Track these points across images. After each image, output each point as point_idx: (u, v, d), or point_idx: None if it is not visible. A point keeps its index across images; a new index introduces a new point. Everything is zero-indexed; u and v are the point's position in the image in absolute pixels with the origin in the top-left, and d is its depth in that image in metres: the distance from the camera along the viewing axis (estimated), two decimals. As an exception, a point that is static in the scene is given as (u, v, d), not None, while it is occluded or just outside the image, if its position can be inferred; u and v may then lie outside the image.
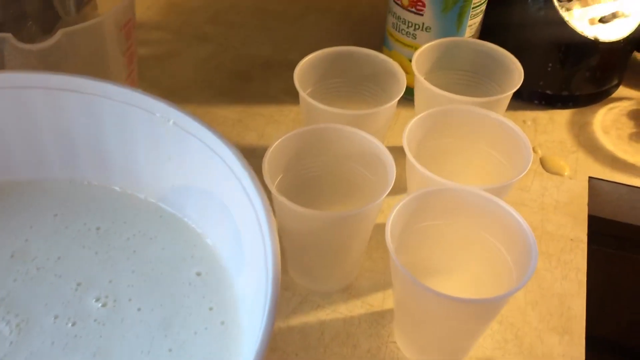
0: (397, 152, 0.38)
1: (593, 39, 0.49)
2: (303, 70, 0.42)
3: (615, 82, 0.56)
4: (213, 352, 0.31)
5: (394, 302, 0.36)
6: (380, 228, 0.36)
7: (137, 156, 0.36)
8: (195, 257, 0.35)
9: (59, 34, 0.38)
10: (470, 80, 0.47)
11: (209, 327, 0.32)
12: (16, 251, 0.34)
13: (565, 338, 0.38)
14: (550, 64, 0.52)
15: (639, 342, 0.62)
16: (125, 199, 0.37)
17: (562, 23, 0.49)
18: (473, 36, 0.50)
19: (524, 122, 0.53)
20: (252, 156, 0.49)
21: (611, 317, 0.57)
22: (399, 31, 0.50)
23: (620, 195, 0.48)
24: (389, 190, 0.34)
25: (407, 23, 0.49)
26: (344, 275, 0.40)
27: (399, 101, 0.41)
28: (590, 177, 0.48)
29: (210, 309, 0.32)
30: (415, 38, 0.50)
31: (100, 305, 0.32)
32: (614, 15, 0.50)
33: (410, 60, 0.43)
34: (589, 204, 0.46)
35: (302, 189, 0.39)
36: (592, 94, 0.55)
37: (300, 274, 0.40)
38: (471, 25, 0.49)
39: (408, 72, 0.44)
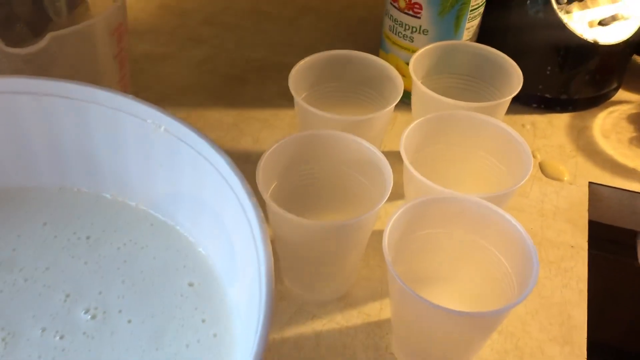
0: (394, 157, 0.37)
1: (592, 42, 0.49)
2: (298, 74, 0.42)
3: (614, 85, 0.55)
4: (205, 365, 0.30)
5: (391, 313, 0.36)
6: (377, 235, 0.35)
7: (128, 163, 0.35)
8: (188, 266, 0.34)
9: (47, 38, 0.37)
10: (469, 84, 0.46)
11: (201, 339, 0.31)
12: (3, 261, 0.33)
13: (566, 349, 0.37)
14: (549, 67, 0.51)
15: (639, 347, 0.62)
16: (115, 206, 0.37)
17: (561, 26, 0.48)
18: (471, 39, 0.50)
19: (523, 126, 0.52)
20: (247, 161, 0.48)
21: (612, 322, 0.56)
22: (396, 34, 0.50)
23: (620, 200, 0.47)
24: (385, 199, 0.33)
25: (404, 26, 0.49)
26: (340, 284, 0.39)
27: (397, 105, 0.40)
28: (590, 183, 0.47)
29: (203, 320, 0.32)
30: (413, 41, 0.49)
31: (89, 317, 0.31)
32: (613, 18, 0.49)
33: (408, 64, 0.43)
34: (589, 210, 0.45)
35: (297, 197, 0.38)
36: (592, 98, 0.54)
37: (295, 283, 0.39)
38: (469, 28, 0.49)
39: (405, 75, 0.43)
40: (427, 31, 0.48)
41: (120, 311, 0.32)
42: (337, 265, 0.37)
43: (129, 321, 0.31)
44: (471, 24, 0.48)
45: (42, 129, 0.35)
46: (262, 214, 0.28)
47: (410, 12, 0.48)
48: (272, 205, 0.33)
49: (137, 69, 0.56)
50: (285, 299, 0.39)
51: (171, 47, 0.60)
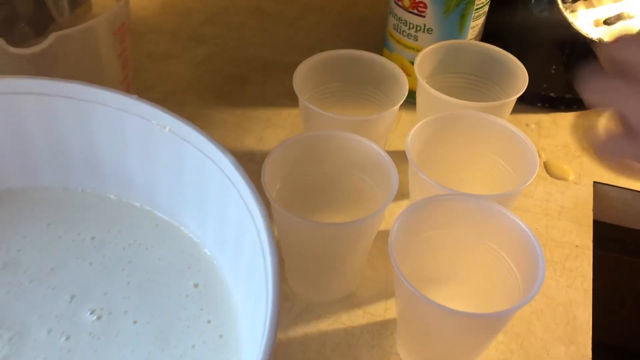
0: (399, 156, 0.37)
1: (598, 40, 0.48)
2: (302, 74, 0.42)
3: (619, 84, 0.55)
4: (211, 366, 0.30)
5: (396, 313, 0.36)
6: (382, 235, 0.35)
7: (132, 163, 0.35)
8: (193, 267, 0.34)
9: (51, 38, 0.37)
10: (474, 83, 0.46)
11: (207, 340, 0.31)
12: (8, 262, 0.33)
13: (571, 349, 0.37)
14: (554, 67, 0.51)
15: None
16: (120, 207, 0.36)
17: (567, 25, 0.48)
18: (475, 38, 0.49)
19: (527, 125, 0.52)
20: (251, 160, 0.48)
21: (617, 322, 0.56)
22: (400, 33, 0.50)
23: (625, 200, 0.47)
24: (391, 201, 0.33)
25: (408, 24, 0.49)
26: (345, 284, 0.39)
27: (401, 104, 0.40)
28: (595, 182, 0.47)
29: (209, 321, 0.32)
30: (417, 40, 0.49)
31: (95, 318, 0.31)
32: (619, 17, 0.49)
33: (412, 62, 0.43)
34: (593, 210, 0.45)
35: (301, 197, 0.38)
36: (596, 97, 0.54)
37: (300, 283, 0.39)
38: (474, 27, 0.48)
39: (409, 74, 0.43)
40: (432, 30, 0.48)
41: (125, 312, 0.32)
42: (342, 266, 0.37)
43: (135, 322, 0.31)
44: (476, 23, 0.48)
45: (46, 130, 0.35)
46: (267, 214, 0.28)
47: (415, 11, 0.47)
48: (277, 206, 0.32)
49: (140, 68, 0.56)
50: (290, 299, 0.39)
51: (174, 47, 0.60)
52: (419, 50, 0.47)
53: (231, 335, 0.31)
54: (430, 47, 0.44)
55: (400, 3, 0.48)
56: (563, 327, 0.38)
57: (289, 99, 0.44)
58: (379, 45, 0.53)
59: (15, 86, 0.33)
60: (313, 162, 0.38)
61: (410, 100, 0.45)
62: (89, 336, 0.31)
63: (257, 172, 0.33)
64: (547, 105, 0.53)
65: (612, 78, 0.29)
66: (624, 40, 0.29)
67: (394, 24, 0.50)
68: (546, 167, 0.48)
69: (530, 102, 0.53)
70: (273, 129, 0.51)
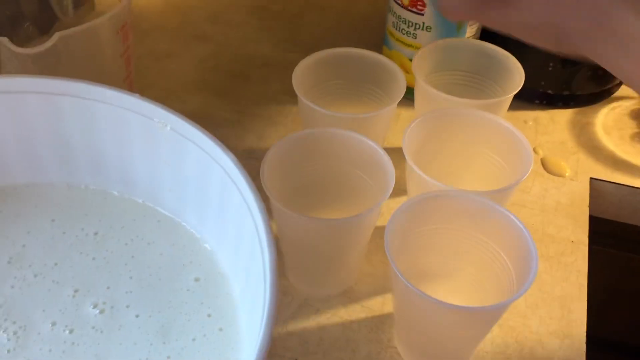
0: (397, 153, 0.38)
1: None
2: (301, 72, 0.42)
3: (617, 80, 0.55)
4: (211, 358, 0.31)
5: (393, 307, 0.36)
6: (380, 231, 0.36)
7: (134, 161, 0.36)
8: (194, 262, 0.35)
9: (55, 37, 0.37)
10: (471, 81, 0.46)
11: (207, 333, 0.32)
12: (13, 257, 0.34)
13: (565, 342, 0.37)
14: (551, 63, 0.52)
15: (639, 342, 0.62)
16: (122, 203, 0.37)
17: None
18: (474, 36, 0.50)
19: (525, 122, 0.53)
20: (252, 157, 0.49)
21: (613, 317, 0.56)
22: (399, 30, 0.50)
23: (622, 196, 0.48)
24: (387, 197, 0.34)
25: (407, 22, 0.49)
26: (343, 279, 0.39)
27: (400, 101, 0.41)
28: (591, 178, 0.48)
29: (209, 315, 0.32)
30: (416, 37, 0.49)
31: (97, 311, 0.32)
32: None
33: (411, 60, 0.43)
34: (590, 205, 0.45)
35: (300, 193, 0.39)
36: (594, 94, 0.54)
37: (299, 278, 0.39)
38: (472, 25, 0.49)
39: (408, 71, 0.44)
40: (431, 28, 0.48)
41: (127, 306, 0.32)
42: (340, 261, 0.38)
43: (137, 316, 0.32)
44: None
45: (50, 128, 0.36)
46: (266, 211, 0.28)
47: (414, 9, 0.48)
48: (276, 203, 0.33)
49: (142, 66, 0.57)
50: (289, 293, 0.39)
51: (175, 45, 0.61)
52: (417, 48, 0.48)
53: (231, 328, 0.32)
54: (428, 46, 0.45)
55: (399, 1, 0.49)
56: (558, 322, 0.38)
57: (290, 96, 0.45)
58: (380, 42, 0.53)
59: (20, 85, 0.34)
60: (311, 159, 0.38)
61: (409, 97, 0.46)
62: (92, 329, 0.31)
63: (258, 169, 0.34)
64: (544, 102, 0.54)
65: None
66: None
67: (393, 22, 0.50)
68: (543, 163, 0.49)
69: (528, 99, 0.54)
70: (274, 127, 0.52)
